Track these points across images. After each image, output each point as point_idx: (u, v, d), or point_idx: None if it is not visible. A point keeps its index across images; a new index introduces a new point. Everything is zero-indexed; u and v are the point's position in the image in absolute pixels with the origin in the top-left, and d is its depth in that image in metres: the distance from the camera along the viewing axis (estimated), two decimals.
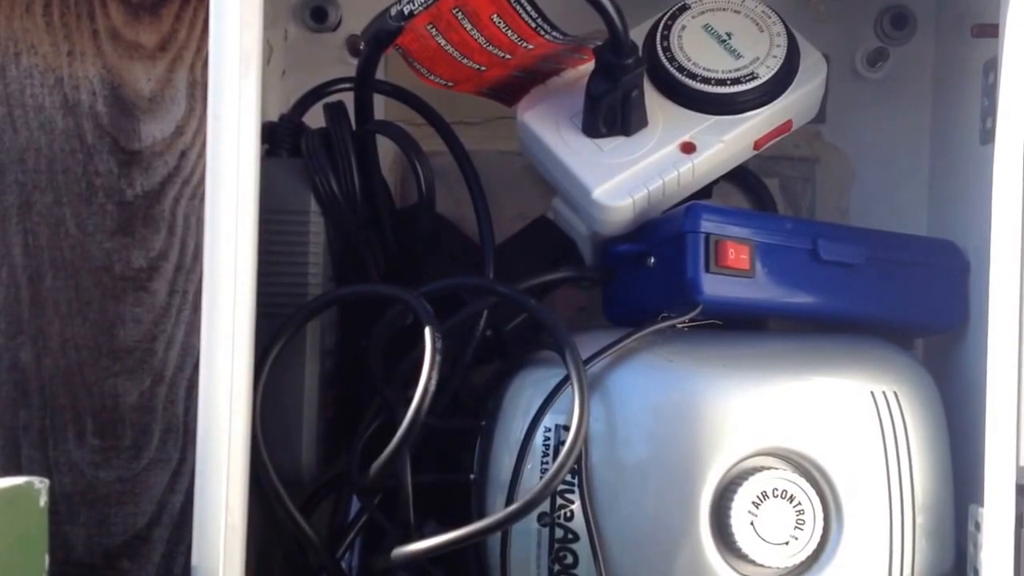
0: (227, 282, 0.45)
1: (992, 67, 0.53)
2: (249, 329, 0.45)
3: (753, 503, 0.49)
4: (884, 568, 0.50)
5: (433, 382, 0.47)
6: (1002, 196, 0.48)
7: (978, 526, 0.50)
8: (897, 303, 0.55)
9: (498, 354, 0.56)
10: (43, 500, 0.42)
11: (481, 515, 0.51)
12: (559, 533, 0.50)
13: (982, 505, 0.49)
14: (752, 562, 0.49)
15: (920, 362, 0.56)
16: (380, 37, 0.50)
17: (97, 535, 0.61)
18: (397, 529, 0.50)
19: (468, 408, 0.55)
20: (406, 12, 0.49)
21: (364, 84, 0.53)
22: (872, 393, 0.51)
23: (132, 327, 0.62)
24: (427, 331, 0.48)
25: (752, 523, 0.49)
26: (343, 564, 0.52)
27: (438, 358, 0.47)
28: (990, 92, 0.53)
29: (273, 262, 0.51)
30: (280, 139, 0.54)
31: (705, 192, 0.58)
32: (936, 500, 0.52)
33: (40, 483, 0.41)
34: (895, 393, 0.52)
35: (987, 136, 0.53)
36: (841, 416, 0.51)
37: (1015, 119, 0.48)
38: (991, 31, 0.52)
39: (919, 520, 0.51)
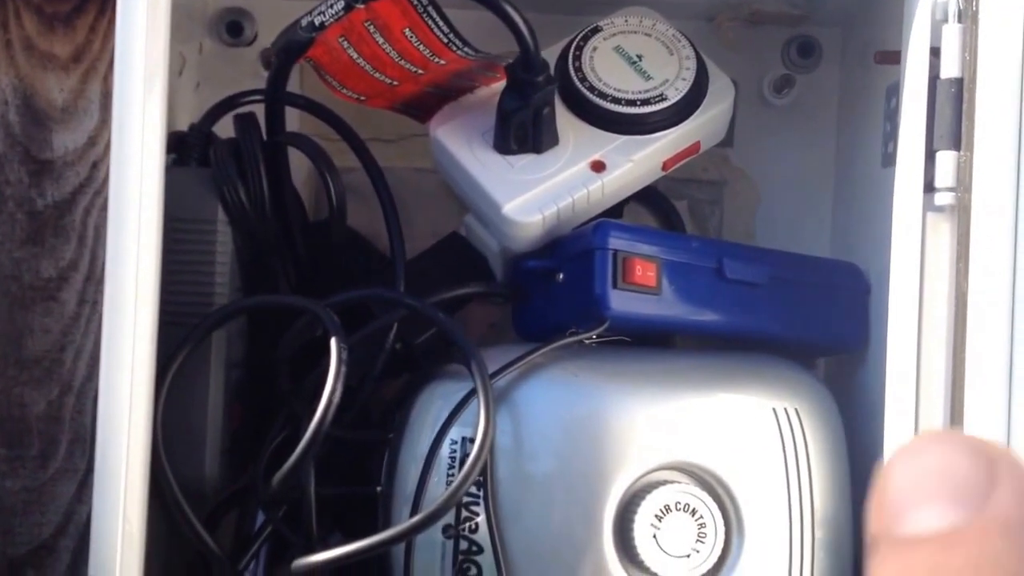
0: (129, 290, 0.45)
1: (894, 92, 0.54)
2: (151, 338, 0.45)
3: (656, 516, 0.49)
4: None
5: (338, 393, 0.47)
6: (902, 214, 0.50)
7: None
8: (799, 323, 0.56)
9: (407, 367, 0.56)
10: None
11: (387, 527, 0.51)
12: (463, 545, 0.50)
13: None
14: (654, 574, 0.49)
15: (821, 381, 0.57)
16: (290, 48, 0.50)
17: (1, 544, 0.60)
18: (301, 541, 0.50)
19: (377, 421, 0.55)
20: (317, 23, 0.49)
21: (275, 96, 0.53)
22: (774, 410, 0.52)
23: (40, 337, 0.61)
24: (333, 342, 0.48)
25: (655, 536, 0.49)
26: (247, 575, 0.52)
27: (343, 369, 0.48)
28: (891, 116, 0.55)
29: (178, 271, 0.51)
30: (189, 149, 0.53)
31: (616, 213, 0.58)
32: (835, 515, 0.53)
33: None
34: (796, 410, 0.53)
35: (888, 159, 0.54)
36: (743, 432, 0.52)
37: (914, 140, 0.49)
38: (893, 58, 0.53)
39: (818, 534, 0.52)
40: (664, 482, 0.50)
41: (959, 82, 0.49)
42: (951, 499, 0.20)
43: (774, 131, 0.66)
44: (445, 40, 0.51)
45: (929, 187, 0.49)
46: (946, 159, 0.49)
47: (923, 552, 0.20)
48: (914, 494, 0.20)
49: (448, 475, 0.50)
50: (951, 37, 0.49)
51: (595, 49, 0.57)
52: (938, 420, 0.49)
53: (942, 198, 0.49)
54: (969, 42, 0.48)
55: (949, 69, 0.49)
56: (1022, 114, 0.47)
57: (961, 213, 0.48)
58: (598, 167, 0.55)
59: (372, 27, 0.50)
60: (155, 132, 0.46)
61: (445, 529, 0.50)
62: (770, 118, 0.66)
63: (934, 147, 0.49)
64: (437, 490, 0.50)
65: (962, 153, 0.48)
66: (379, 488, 0.52)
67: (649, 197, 0.63)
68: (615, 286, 0.52)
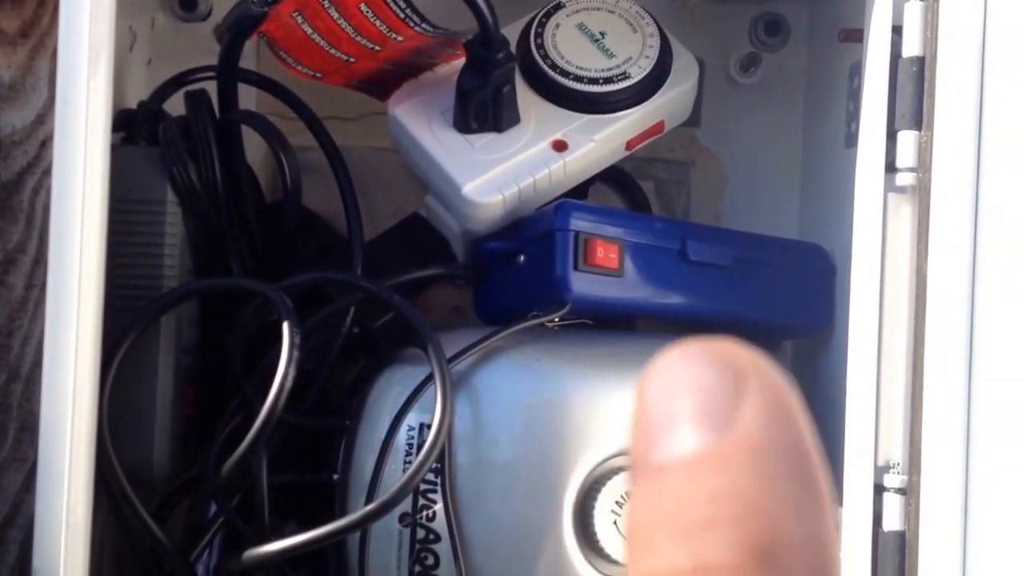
0: (73, 274, 0.43)
1: (857, 71, 0.53)
2: (96, 323, 0.44)
3: (616, 503, 0.48)
4: None
5: (289, 379, 0.46)
6: (863, 195, 0.49)
7: (837, 525, 0.50)
8: (764, 304, 0.55)
9: (365, 351, 0.55)
10: None
11: (343, 515, 0.50)
12: (420, 534, 0.49)
13: (841, 505, 0.49)
14: (615, 562, 0.48)
15: (784, 365, 0.56)
16: (242, 22, 0.48)
17: None
18: (253, 530, 0.48)
19: (335, 406, 0.54)
20: None
21: (227, 72, 0.51)
22: None
23: None
24: (285, 326, 0.46)
25: (615, 522, 0.48)
26: (200, 566, 0.51)
27: (295, 354, 0.46)
28: (854, 95, 0.54)
29: (127, 254, 0.49)
30: (138, 127, 0.52)
31: (580, 193, 0.57)
32: None
33: None
34: None
35: (851, 139, 0.54)
36: None
37: (876, 120, 0.49)
38: (857, 36, 0.52)
39: None
40: (625, 468, 0.49)
41: (920, 61, 0.48)
42: (698, 420, 0.18)
43: (741, 110, 0.65)
44: (402, 16, 0.50)
45: (890, 167, 0.49)
46: (907, 139, 0.48)
47: (670, 480, 0.18)
48: (665, 416, 0.19)
49: (405, 462, 0.49)
50: (913, 15, 0.48)
51: (557, 26, 0.56)
52: (899, 400, 0.48)
53: (903, 178, 0.48)
54: (930, 20, 0.47)
55: (911, 48, 0.48)
56: (982, 94, 0.47)
57: (922, 194, 0.48)
58: (560, 146, 0.54)
59: (327, 2, 0.49)
60: (100, 109, 0.44)
61: (402, 517, 0.49)
62: (737, 97, 0.65)
63: (895, 127, 0.48)
64: (394, 478, 0.49)
65: (923, 133, 0.48)
66: (335, 476, 0.51)
67: (615, 177, 0.62)
68: (576, 268, 0.51)
